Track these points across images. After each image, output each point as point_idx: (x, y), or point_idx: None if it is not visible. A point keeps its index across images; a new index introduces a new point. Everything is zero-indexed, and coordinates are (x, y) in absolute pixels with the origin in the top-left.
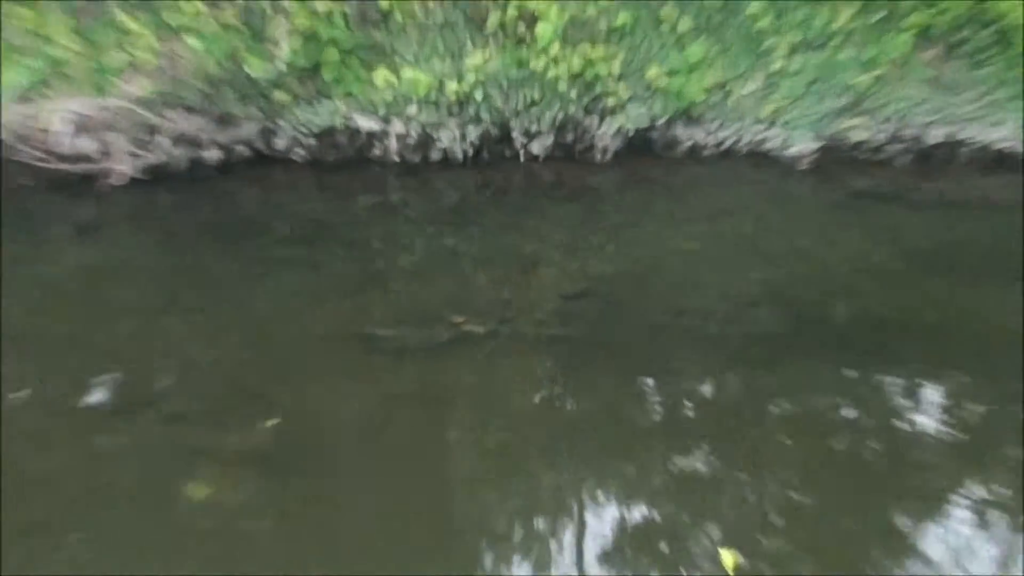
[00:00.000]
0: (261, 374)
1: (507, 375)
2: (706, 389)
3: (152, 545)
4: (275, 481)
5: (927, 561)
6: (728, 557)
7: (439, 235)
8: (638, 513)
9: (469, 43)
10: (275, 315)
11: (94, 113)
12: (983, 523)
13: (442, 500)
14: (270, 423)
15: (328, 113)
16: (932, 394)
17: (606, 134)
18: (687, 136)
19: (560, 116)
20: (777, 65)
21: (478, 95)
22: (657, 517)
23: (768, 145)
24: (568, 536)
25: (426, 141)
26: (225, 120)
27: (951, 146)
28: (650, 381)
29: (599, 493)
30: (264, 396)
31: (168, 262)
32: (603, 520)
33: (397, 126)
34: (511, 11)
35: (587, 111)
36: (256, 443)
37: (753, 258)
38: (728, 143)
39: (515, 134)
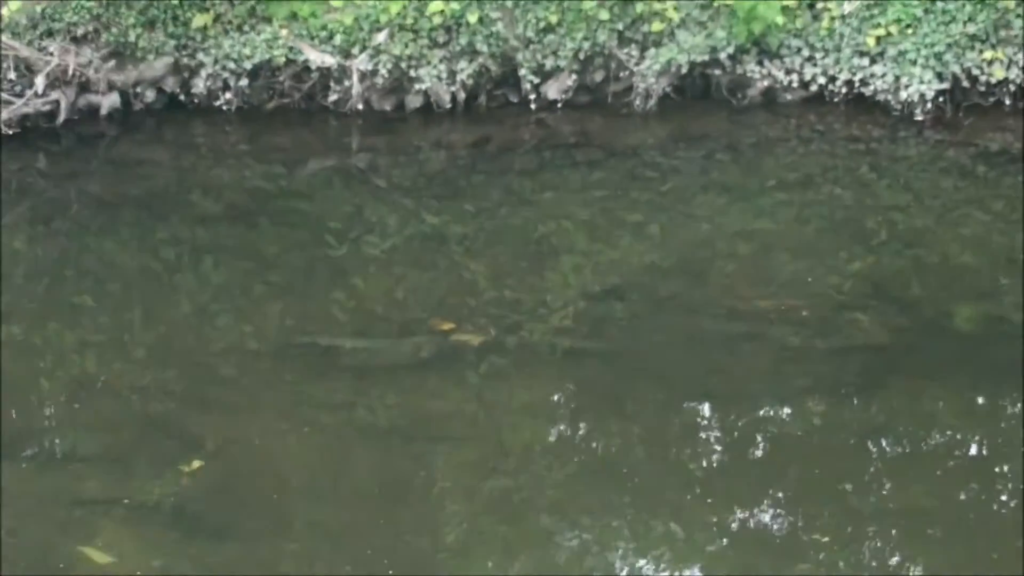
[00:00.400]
0: (178, 401)
1: (511, 402)
2: (781, 422)
3: None
4: (197, 545)
5: None
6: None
7: (419, 212)
8: None
9: None
10: (196, 321)
11: None
12: None
13: (422, 572)
14: (190, 467)
15: (266, 44)
16: None
17: (649, 72)
18: (761, 75)
19: (586, 47)
20: None
21: (471, 16)
22: None
23: (872, 87)
24: None
25: (401, 82)
26: (124, 53)
27: None
28: (704, 410)
29: (634, 563)
30: (182, 430)
31: (48, 250)
32: None
33: (361, 61)
34: None
35: (623, 39)
36: (172, 493)
37: (849, 243)
38: (817, 84)
39: (523, 72)
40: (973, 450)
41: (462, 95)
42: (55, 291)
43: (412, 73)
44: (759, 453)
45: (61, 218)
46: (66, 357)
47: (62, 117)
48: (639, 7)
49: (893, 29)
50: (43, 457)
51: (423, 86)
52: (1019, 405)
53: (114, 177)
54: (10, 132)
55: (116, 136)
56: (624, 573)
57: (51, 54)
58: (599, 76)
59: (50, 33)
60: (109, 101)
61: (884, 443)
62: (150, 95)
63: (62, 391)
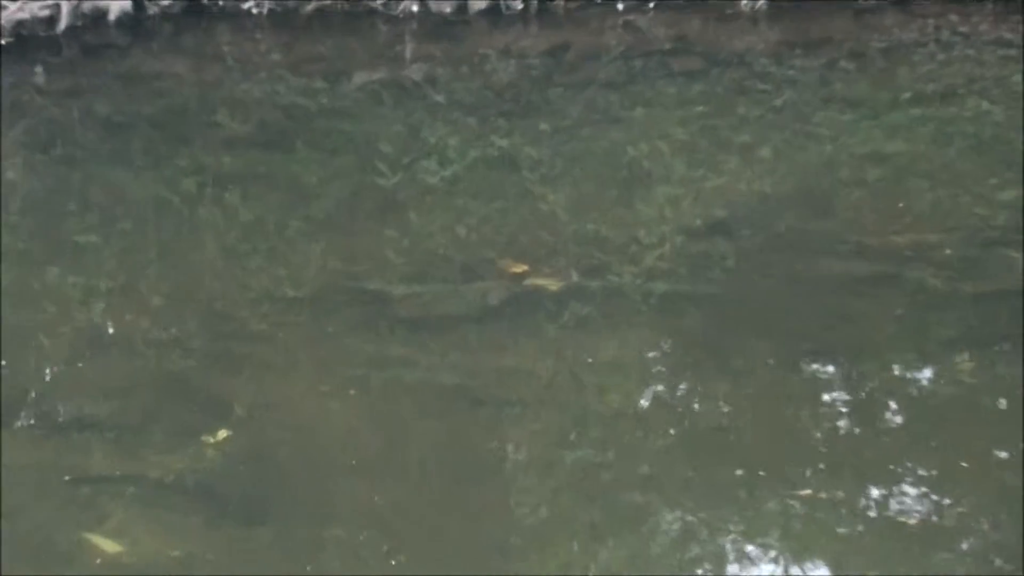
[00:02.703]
0: (201, 358)
1: (596, 359)
2: (920, 381)
3: None
4: (224, 530)
5: None
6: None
7: (485, 133)
8: None
9: None
10: (222, 264)
11: None
12: None
13: (490, 563)
14: (215, 437)
15: None
16: None
17: None
18: None
19: None
20: None
21: None
22: None
23: None
24: None
25: None
26: None
27: None
28: (827, 367)
29: (744, 552)
30: (206, 394)
31: (48, 180)
32: None
33: None
34: None
35: None
36: (194, 469)
37: (998, 167)
38: None
39: None
40: None
41: None
42: (56, 229)
43: None
44: (894, 419)
45: (63, 143)
46: (69, 307)
47: (64, 24)
48: None
49: None
50: (42, 426)
51: None
52: None
53: (125, 94)
54: (3, 42)
55: (127, 46)
56: (732, 564)
57: None
58: None
59: None
60: (119, 5)
61: None
62: None
63: (64, 347)
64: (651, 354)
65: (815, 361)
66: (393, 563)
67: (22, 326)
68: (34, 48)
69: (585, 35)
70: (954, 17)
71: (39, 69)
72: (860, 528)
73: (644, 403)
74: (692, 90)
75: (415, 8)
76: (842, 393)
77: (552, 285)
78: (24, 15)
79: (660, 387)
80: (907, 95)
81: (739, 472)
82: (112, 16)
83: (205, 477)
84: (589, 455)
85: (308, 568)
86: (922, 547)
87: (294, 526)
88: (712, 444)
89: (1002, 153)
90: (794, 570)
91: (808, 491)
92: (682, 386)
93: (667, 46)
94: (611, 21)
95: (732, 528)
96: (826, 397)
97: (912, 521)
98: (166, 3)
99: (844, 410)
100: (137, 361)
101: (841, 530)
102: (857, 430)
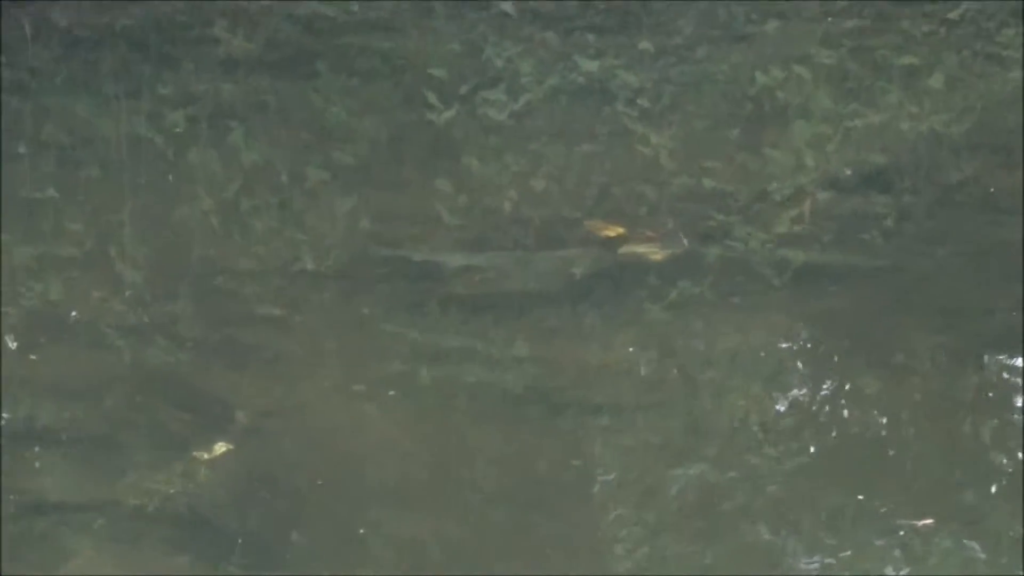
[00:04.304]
0: (193, 350)
1: (712, 350)
2: None
3: None
4: (221, 571)
5: None
6: None
7: (569, 53)
8: None
9: None
10: (220, 226)
11: None
12: None
13: None
14: (211, 452)
15: None
16: None
17: None
18: None
19: None
20: None
21: None
22: None
23: None
24: None
25: None
26: None
27: None
28: (1021, 365)
29: None
30: (199, 397)
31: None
32: None
33: None
34: None
35: None
36: (184, 494)
37: None
38: None
39: None
40: None
41: None
42: (2, 180)
43: None
44: None
45: (9, 65)
46: (17, 283)
47: None
48: None
49: None
50: None
51: None
52: None
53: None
54: None
55: None
56: None
57: None
58: None
59: None
60: None
61: None
62: None
63: (14, 334)
64: (784, 346)
65: (1001, 355)
66: None
67: None
68: None
69: None
70: None
71: None
72: None
73: (775, 410)
74: None
75: None
76: None
77: (655, 254)
78: None
79: (796, 389)
80: None
81: (899, 503)
82: None
83: (197, 505)
84: (703, 478)
85: None
86: None
87: (310, 566)
88: (865, 465)
89: None
90: None
91: (995, 525)
92: (825, 388)
93: None
94: None
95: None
96: (1018, 402)
97: None
98: None
99: None
100: (108, 354)
101: None
102: None
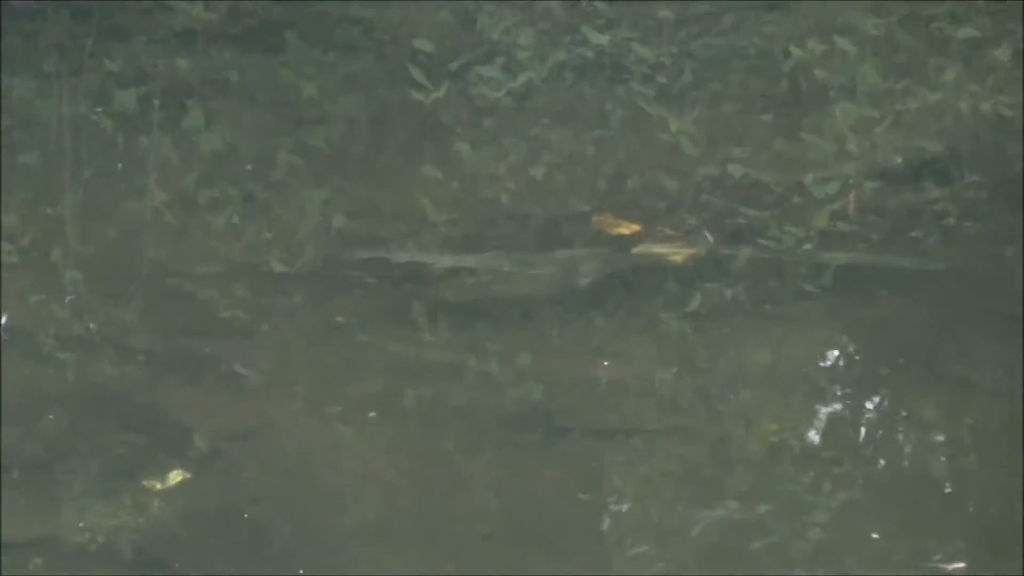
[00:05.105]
0: (144, 364)
1: (743, 365)
2: None
3: None
4: None
5: None
6: None
7: (574, 23)
8: None
9: None
10: (175, 222)
11: None
12: None
13: None
14: (164, 483)
15: None
16: None
17: None
18: None
19: None
20: None
21: None
22: None
23: None
24: None
25: None
26: None
27: None
28: None
29: None
30: (150, 417)
31: None
32: None
33: None
34: None
35: None
36: (132, 530)
37: None
38: None
39: None
40: None
41: None
42: None
43: None
44: None
45: None
46: None
47: None
48: None
49: None
50: None
51: None
52: None
53: None
54: None
55: None
56: None
57: None
58: None
59: None
60: None
61: None
62: None
63: None
64: (826, 360)
65: None
66: None
67: None
68: None
69: None
70: None
71: None
72: None
73: (814, 435)
74: None
75: None
76: None
77: (675, 254)
78: None
79: (838, 409)
80: None
81: (958, 548)
82: None
83: (148, 542)
84: (730, 512)
85: None
86: None
87: None
88: (918, 501)
89: None
90: None
91: None
92: (871, 410)
93: None
94: None
95: None
96: None
97: None
98: None
99: None
100: (47, 368)
101: None
102: None
